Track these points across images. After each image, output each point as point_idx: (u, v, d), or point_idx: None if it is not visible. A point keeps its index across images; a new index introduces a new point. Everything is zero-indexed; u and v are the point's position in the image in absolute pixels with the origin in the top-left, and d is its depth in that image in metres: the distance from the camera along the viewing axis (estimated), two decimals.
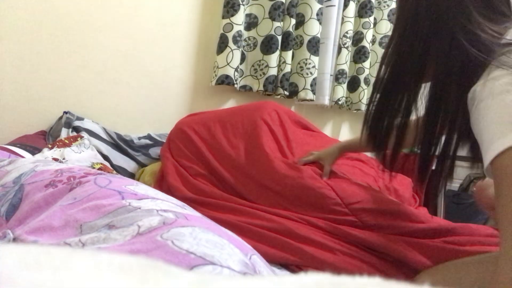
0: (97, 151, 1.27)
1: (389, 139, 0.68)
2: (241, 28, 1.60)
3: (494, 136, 0.45)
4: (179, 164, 1.14)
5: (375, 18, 2.02)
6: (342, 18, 1.90)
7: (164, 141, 1.39)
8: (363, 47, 1.96)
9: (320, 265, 0.79)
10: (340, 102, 1.90)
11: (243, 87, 1.69)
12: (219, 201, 0.99)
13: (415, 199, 1.39)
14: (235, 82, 1.59)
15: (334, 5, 1.83)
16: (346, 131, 2.13)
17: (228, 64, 1.56)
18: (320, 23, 1.77)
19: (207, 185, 1.06)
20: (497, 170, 0.46)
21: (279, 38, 1.67)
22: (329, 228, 0.87)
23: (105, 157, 1.29)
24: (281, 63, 1.72)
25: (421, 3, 0.57)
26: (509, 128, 0.44)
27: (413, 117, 0.66)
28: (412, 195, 1.39)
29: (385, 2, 2.03)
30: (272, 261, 0.79)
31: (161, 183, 1.15)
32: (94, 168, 1.13)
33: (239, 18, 1.57)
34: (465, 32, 0.54)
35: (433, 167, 0.73)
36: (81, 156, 1.16)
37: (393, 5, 2.04)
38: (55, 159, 1.08)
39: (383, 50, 2.01)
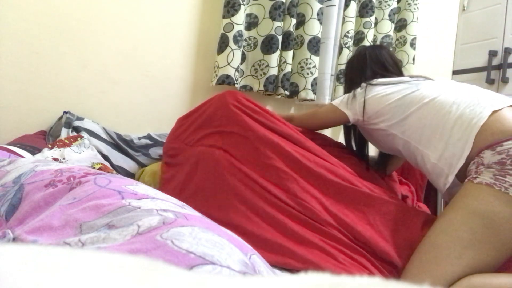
0: (97, 151, 1.27)
1: None
2: (242, 28, 1.60)
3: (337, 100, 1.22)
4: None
5: (376, 18, 2.02)
6: (343, 18, 1.90)
7: (164, 141, 1.38)
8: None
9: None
10: None
11: (244, 87, 1.69)
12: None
13: (412, 193, 1.39)
14: (235, 82, 1.58)
15: (335, 5, 1.83)
16: None
17: (228, 64, 1.56)
18: (321, 23, 1.77)
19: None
20: (327, 105, 1.25)
21: (280, 38, 1.67)
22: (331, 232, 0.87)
23: (105, 157, 1.29)
24: (281, 63, 1.72)
25: (352, 69, 1.31)
26: (338, 100, 1.20)
27: None
28: (409, 190, 1.40)
29: (386, 1, 2.02)
30: (275, 266, 0.79)
31: (167, 185, 1.09)
32: (94, 168, 1.13)
33: (240, 18, 1.57)
34: (362, 79, 1.20)
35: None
36: (81, 156, 1.16)
37: (394, 4, 2.04)
38: (55, 159, 1.08)
39: None
